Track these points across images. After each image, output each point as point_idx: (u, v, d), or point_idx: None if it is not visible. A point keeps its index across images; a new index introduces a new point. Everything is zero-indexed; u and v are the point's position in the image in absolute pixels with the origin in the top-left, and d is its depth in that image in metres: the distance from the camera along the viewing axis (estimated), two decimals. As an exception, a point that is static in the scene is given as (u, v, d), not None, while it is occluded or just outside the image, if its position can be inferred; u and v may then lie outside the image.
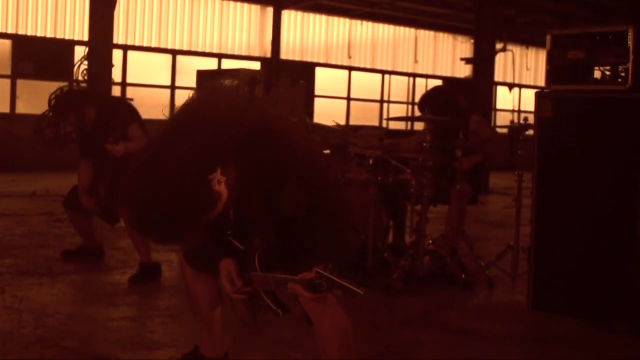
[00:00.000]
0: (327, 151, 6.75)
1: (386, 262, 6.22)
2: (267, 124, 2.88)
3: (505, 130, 7.61)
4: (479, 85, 15.17)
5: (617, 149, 4.91)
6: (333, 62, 20.89)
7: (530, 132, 5.70)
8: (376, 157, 6.14)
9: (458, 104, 6.97)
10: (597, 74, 5.17)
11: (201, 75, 10.62)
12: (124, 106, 6.45)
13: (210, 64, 17.86)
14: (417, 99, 22.02)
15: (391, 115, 21.38)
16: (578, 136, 5.10)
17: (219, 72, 13.42)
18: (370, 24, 21.70)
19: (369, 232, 6.14)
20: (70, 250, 6.69)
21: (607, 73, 5.09)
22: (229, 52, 18.83)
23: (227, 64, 18.32)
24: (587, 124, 5.08)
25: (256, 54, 19.29)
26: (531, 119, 5.60)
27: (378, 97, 21.98)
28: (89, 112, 6.13)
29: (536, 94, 5.28)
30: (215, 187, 2.67)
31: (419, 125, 15.81)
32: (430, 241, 6.51)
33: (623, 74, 4.97)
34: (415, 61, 22.77)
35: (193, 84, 10.90)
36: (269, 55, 19.26)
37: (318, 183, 2.89)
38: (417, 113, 7.26)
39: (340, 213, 2.94)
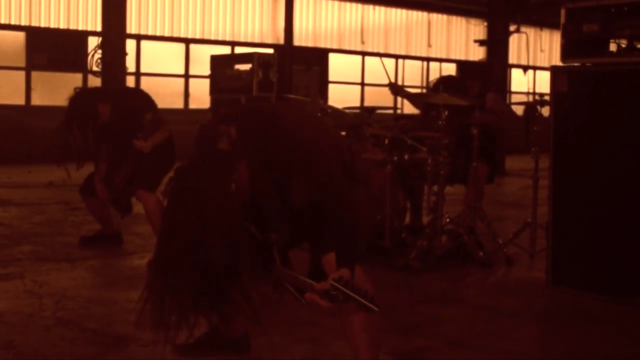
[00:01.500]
0: (342, 132, 6.73)
1: (404, 242, 6.22)
2: (275, 116, 2.92)
3: (521, 108, 7.59)
4: (493, 67, 15.10)
5: (634, 122, 4.88)
6: (346, 48, 20.83)
7: (546, 112, 5.67)
8: (392, 137, 6.13)
9: (468, 89, 6.96)
10: (612, 47, 5.14)
11: (215, 60, 10.59)
12: (139, 95, 6.49)
13: (224, 51, 17.83)
14: (431, 84, 22.02)
15: (405, 100, 21.32)
16: (595, 110, 5.07)
17: (233, 57, 13.40)
18: (383, 8, 21.60)
19: (386, 212, 6.13)
20: (89, 237, 6.72)
21: (623, 45, 5.06)
22: (242, 39, 18.80)
23: (240, 52, 18.32)
24: (603, 98, 5.04)
25: (269, 41, 19.26)
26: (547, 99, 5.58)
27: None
28: (103, 109, 6.17)
29: (552, 68, 5.26)
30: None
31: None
32: (448, 220, 6.50)
33: (639, 46, 4.93)
34: (429, 45, 22.67)
35: (207, 72, 10.88)
36: (282, 42, 19.21)
37: (324, 180, 2.90)
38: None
39: (348, 210, 2.91)
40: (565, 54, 5.17)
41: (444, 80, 7.09)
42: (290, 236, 3.01)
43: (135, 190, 6.08)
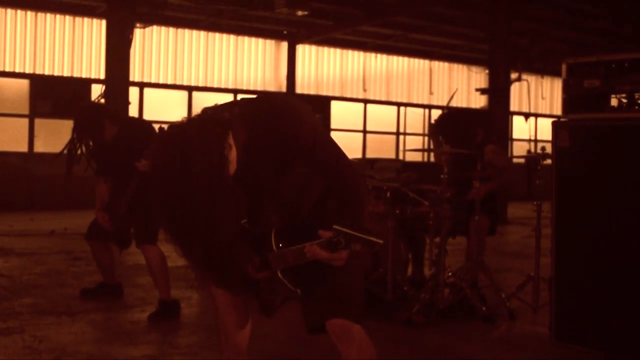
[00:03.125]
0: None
1: (406, 295, 6.19)
2: (279, 102, 2.93)
3: (522, 160, 7.58)
4: (495, 115, 15.13)
5: (636, 177, 4.87)
6: (348, 95, 20.95)
7: (548, 161, 5.67)
8: (393, 190, 6.13)
9: (474, 136, 6.95)
10: (613, 102, 5.15)
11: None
12: (145, 127, 6.42)
13: (227, 99, 17.86)
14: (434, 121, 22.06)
15: (407, 147, 21.39)
16: (596, 164, 5.06)
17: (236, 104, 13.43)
18: (384, 56, 21.77)
19: (388, 265, 6.11)
20: (89, 289, 6.69)
21: (624, 100, 5.07)
22: (245, 87, 18.92)
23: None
24: (605, 152, 5.03)
25: (272, 88, 19.38)
26: (548, 148, 5.57)
27: (394, 130, 21.98)
28: (110, 127, 6.14)
29: (553, 123, 5.25)
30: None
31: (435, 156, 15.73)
32: (450, 273, 6.47)
33: (640, 101, 4.95)
34: (431, 92, 22.80)
35: (209, 120, 10.91)
36: (284, 89, 19.35)
37: (328, 158, 2.87)
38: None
39: (353, 187, 2.90)
40: (566, 109, 5.18)
41: (445, 124, 7.06)
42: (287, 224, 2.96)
43: (138, 244, 6.06)
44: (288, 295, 2.92)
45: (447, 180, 6.00)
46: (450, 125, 6.98)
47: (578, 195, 5.14)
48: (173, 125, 2.70)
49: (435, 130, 6.98)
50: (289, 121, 2.83)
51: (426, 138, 22.53)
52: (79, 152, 6.13)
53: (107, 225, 6.19)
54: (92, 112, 6.30)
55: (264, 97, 3.17)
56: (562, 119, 5.26)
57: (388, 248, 6.09)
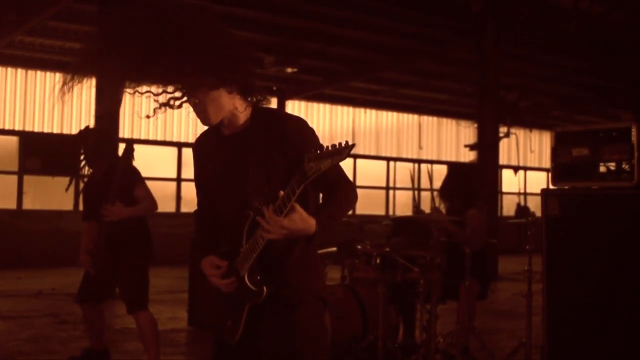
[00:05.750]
0: (333, 249, 6.71)
1: (397, 362, 6.12)
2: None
3: (512, 215, 7.59)
4: (485, 170, 15.18)
5: (625, 245, 4.87)
6: (338, 150, 20.99)
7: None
8: (383, 256, 6.10)
9: (480, 192, 7.00)
10: (602, 169, 5.18)
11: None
12: (127, 169, 6.28)
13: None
14: (422, 185, 22.21)
15: (397, 202, 21.43)
16: (586, 231, 5.08)
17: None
18: (374, 111, 21.92)
19: (378, 332, 6.05)
20: (76, 357, 6.57)
21: (612, 168, 5.10)
22: (235, 142, 18.94)
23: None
24: (594, 220, 5.06)
25: (261, 144, 19.42)
26: (537, 203, 5.58)
27: (383, 184, 22.03)
28: (100, 163, 6.06)
29: (542, 191, 5.28)
30: None
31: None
32: (441, 340, 6.41)
33: (628, 169, 4.97)
34: (420, 147, 22.91)
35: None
36: (274, 144, 19.39)
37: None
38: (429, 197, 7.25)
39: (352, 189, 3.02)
40: (555, 178, 5.22)
41: (458, 174, 7.17)
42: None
43: (131, 311, 5.93)
44: (252, 304, 2.91)
45: (438, 245, 5.99)
46: (455, 186, 7.02)
47: (569, 262, 5.14)
48: None
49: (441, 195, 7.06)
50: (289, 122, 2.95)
51: (416, 193, 22.60)
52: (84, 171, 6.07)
53: (88, 268, 6.04)
54: (107, 135, 6.23)
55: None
56: (551, 188, 5.28)
57: (379, 314, 6.04)
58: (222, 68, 2.86)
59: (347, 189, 2.96)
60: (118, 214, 5.75)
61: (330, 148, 2.52)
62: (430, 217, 6.50)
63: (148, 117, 3.01)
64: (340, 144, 2.51)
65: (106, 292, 6.28)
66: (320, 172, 2.53)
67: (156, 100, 2.98)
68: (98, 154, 6.05)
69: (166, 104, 2.97)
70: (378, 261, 6.09)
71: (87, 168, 6.10)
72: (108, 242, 5.90)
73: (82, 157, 6.07)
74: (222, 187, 3.06)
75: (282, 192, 2.64)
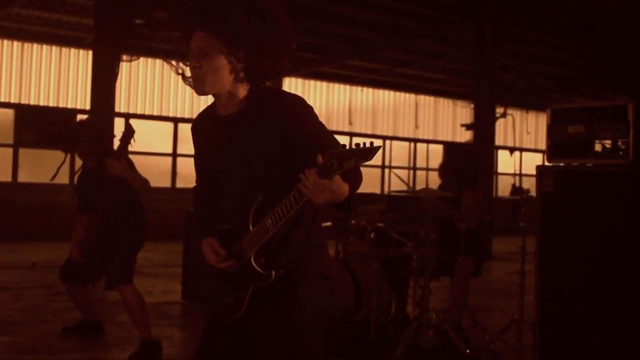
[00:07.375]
0: (328, 223, 6.72)
1: (389, 337, 6.14)
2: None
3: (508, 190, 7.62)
4: (480, 150, 15.19)
5: (619, 222, 4.88)
6: (334, 129, 20.96)
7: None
8: (377, 231, 6.11)
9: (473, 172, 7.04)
10: (597, 147, 5.18)
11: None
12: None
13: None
14: (418, 164, 22.20)
15: (393, 182, 21.42)
16: (580, 209, 5.08)
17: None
18: (371, 90, 21.88)
19: (372, 306, 6.08)
20: (70, 327, 6.60)
21: (607, 146, 5.09)
22: (231, 119, 18.91)
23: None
24: (589, 197, 5.05)
25: (258, 120, 19.39)
26: (532, 184, 5.59)
27: (379, 163, 22.03)
28: (92, 151, 6.14)
29: (538, 168, 5.28)
30: None
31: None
32: (434, 315, 6.43)
33: (623, 147, 4.96)
34: (416, 126, 22.89)
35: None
36: (271, 122, 19.35)
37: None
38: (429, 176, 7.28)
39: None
40: (551, 155, 5.20)
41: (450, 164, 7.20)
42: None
43: (112, 287, 5.95)
44: (257, 286, 2.89)
45: (431, 221, 6.00)
46: (455, 168, 7.06)
47: (562, 239, 5.15)
48: None
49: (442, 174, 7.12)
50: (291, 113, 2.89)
51: (411, 172, 22.62)
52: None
53: (78, 260, 6.10)
54: (99, 128, 6.30)
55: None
56: (546, 164, 5.28)
57: (372, 289, 6.06)
58: (242, 37, 2.81)
59: (357, 167, 2.93)
60: (120, 169, 5.78)
61: (354, 147, 2.49)
62: (425, 196, 6.49)
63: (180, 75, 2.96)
64: (364, 144, 2.48)
65: (91, 277, 6.29)
66: (342, 171, 2.51)
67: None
68: (91, 146, 6.14)
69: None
70: (372, 236, 6.11)
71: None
72: (100, 233, 5.94)
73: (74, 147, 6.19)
74: (223, 169, 3.01)
75: (320, 159, 2.54)
